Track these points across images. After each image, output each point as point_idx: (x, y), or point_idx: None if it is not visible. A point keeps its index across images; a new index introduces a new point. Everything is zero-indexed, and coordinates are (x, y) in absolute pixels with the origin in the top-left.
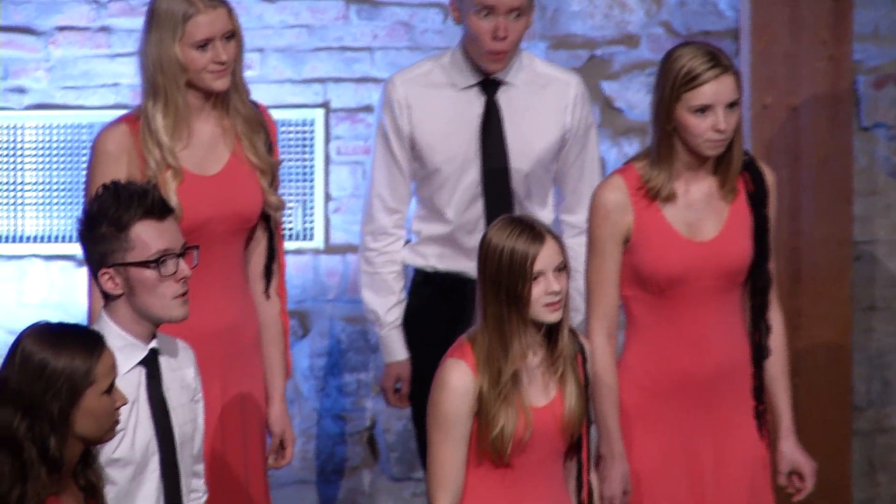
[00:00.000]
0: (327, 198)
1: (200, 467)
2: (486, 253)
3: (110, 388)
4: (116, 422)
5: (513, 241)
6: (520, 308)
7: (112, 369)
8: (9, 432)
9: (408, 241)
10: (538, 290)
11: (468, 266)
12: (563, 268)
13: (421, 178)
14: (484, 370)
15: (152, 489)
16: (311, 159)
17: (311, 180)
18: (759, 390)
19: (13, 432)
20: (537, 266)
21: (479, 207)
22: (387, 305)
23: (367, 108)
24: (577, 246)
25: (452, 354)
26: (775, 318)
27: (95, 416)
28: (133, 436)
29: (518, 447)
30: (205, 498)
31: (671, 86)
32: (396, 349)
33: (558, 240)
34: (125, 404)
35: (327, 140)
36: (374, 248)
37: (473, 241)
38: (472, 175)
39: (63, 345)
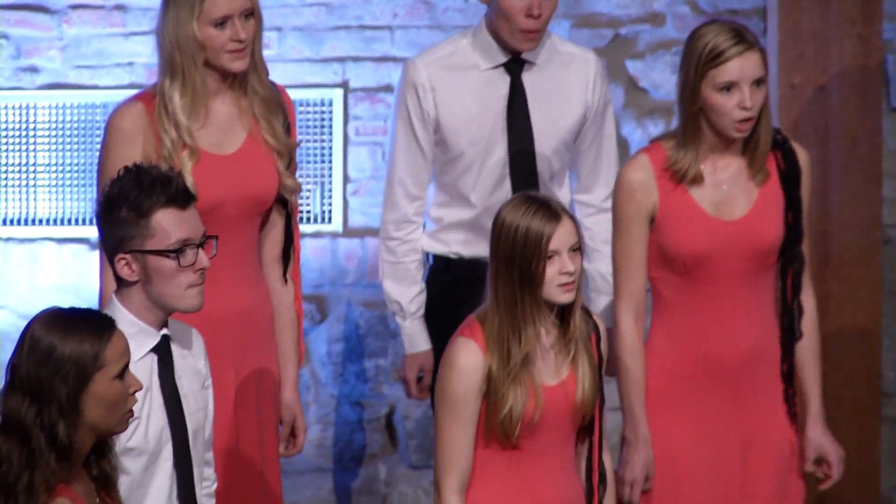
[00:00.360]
0: (346, 180)
1: (210, 455)
2: (499, 231)
3: (122, 374)
4: (130, 411)
5: (528, 219)
6: (533, 288)
7: (123, 353)
8: (17, 419)
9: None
10: (552, 270)
11: None
12: (578, 248)
13: (443, 163)
14: (493, 350)
15: (165, 478)
16: (330, 140)
17: (330, 162)
18: (790, 374)
19: (21, 419)
20: (552, 245)
21: (504, 190)
22: (410, 295)
23: (387, 88)
24: (594, 225)
25: (462, 333)
26: (808, 300)
27: (106, 402)
28: (146, 424)
29: (527, 428)
30: (215, 486)
31: (696, 64)
32: (419, 340)
33: (574, 219)
34: (139, 390)
35: (346, 120)
36: (396, 237)
37: None
38: (496, 157)
39: (71, 329)
